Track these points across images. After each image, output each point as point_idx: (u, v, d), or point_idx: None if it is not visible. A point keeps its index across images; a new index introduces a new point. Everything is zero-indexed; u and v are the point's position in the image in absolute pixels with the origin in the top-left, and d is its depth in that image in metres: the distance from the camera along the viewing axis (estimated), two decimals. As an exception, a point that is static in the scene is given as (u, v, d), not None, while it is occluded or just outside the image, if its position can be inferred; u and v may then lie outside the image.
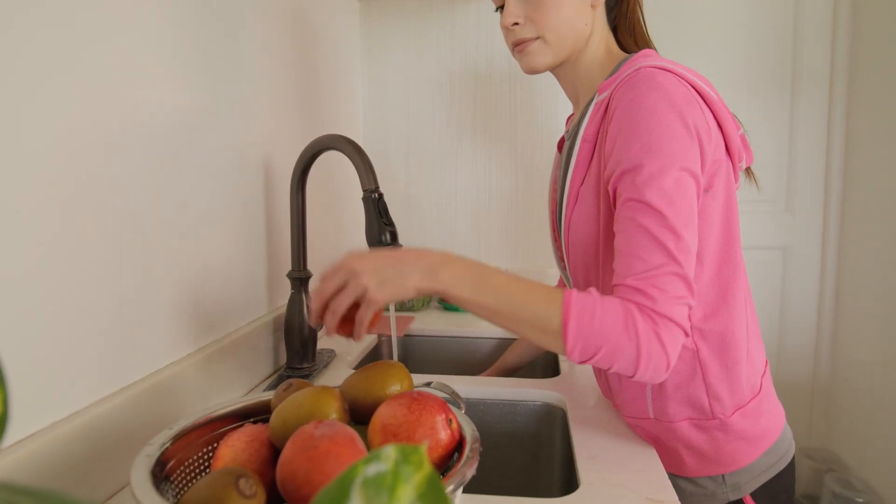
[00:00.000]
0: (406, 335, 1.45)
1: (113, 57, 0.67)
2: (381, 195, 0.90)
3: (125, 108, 0.69)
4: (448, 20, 1.75)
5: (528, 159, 1.75)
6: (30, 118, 0.56)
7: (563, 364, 1.15)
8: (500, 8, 0.84)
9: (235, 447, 0.54)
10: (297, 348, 1.05)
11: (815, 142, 2.11)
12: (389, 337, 1.40)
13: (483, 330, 1.42)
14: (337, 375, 1.09)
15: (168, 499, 0.46)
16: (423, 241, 1.80)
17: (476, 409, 0.98)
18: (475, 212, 1.79)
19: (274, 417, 0.56)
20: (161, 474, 0.50)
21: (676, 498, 0.66)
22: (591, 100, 0.80)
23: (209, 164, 0.89)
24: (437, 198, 1.80)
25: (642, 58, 0.75)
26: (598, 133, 0.76)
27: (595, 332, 0.62)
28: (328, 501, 0.25)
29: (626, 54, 0.82)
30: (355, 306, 0.64)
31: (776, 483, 0.79)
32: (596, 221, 0.76)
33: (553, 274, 1.74)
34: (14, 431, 0.54)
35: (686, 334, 0.64)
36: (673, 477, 0.80)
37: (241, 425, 0.61)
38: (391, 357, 1.38)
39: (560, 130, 1.72)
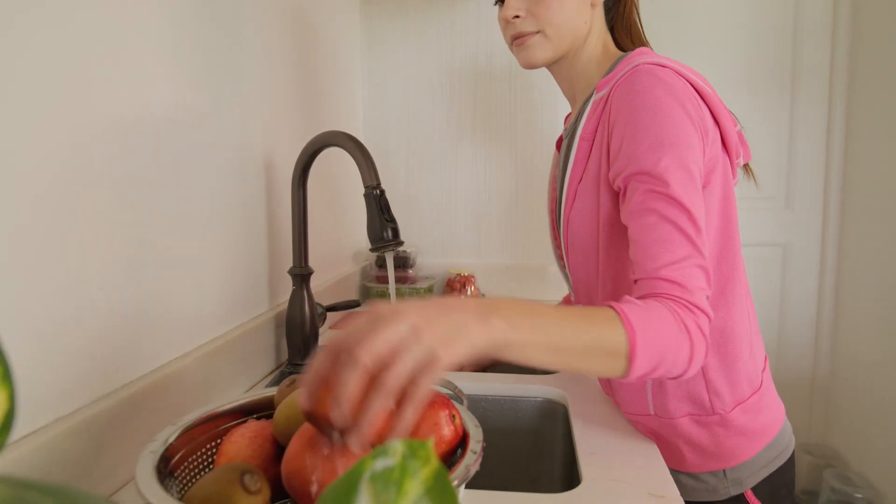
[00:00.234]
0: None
1: (114, 56, 0.67)
2: (382, 191, 0.90)
3: (126, 107, 0.69)
4: (448, 17, 1.74)
5: (528, 157, 1.75)
6: (30, 118, 0.56)
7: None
8: (500, 1, 0.84)
9: (239, 443, 0.55)
10: (299, 345, 1.06)
11: (814, 139, 2.11)
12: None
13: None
14: (338, 372, 1.09)
15: (172, 494, 0.46)
16: (424, 240, 1.81)
17: (477, 405, 0.99)
18: (475, 210, 1.79)
19: (277, 414, 0.56)
20: (165, 470, 0.51)
21: (678, 493, 0.66)
22: (589, 98, 0.80)
23: (210, 161, 0.89)
24: (437, 196, 1.80)
25: (639, 55, 0.75)
26: (597, 131, 0.76)
27: (658, 341, 0.58)
28: (337, 496, 0.25)
29: (622, 53, 0.83)
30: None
31: (777, 478, 0.79)
32: (595, 218, 0.76)
33: (553, 272, 1.74)
34: (18, 428, 0.54)
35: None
36: (674, 472, 0.80)
37: (245, 421, 0.61)
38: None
39: (561, 127, 1.72)
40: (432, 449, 0.27)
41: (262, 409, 0.63)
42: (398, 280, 1.66)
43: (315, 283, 1.19)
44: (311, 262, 1.08)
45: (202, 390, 0.83)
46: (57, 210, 0.59)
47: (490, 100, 1.75)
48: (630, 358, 0.57)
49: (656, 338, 0.58)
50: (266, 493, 0.47)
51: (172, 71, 0.79)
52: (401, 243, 0.90)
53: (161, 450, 0.51)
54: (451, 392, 0.69)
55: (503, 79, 1.74)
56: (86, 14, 0.62)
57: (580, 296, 0.83)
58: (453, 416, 0.55)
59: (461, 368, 0.50)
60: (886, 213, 1.89)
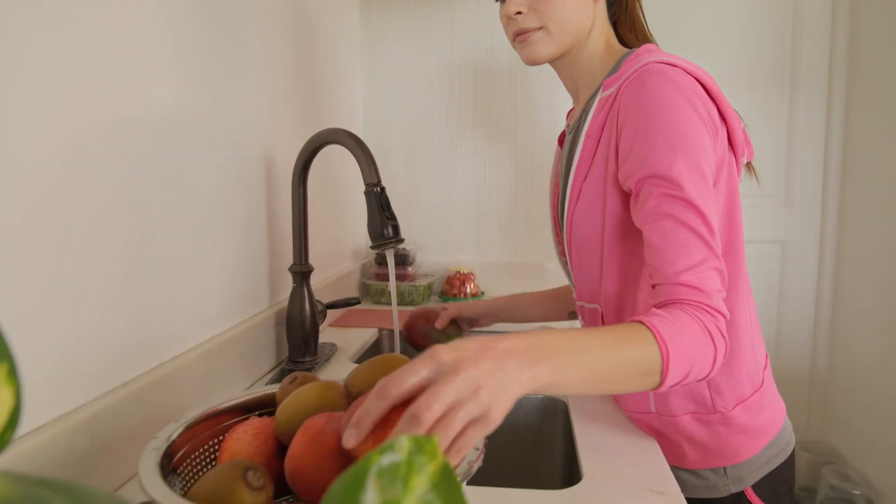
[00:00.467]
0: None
1: (114, 56, 0.67)
2: (383, 189, 0.90)
3: (127, 106, 0.69)
4: (448, 15, 1.74)
5: (528, 155, 1.75)
6: (32, 117, 0.56)
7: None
8: None
9: (241, 440, 0.55)
10: (299, 342, 1.06)
11: (813, 137, 2.11)
12: (390, 331, 1.40)
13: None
14: (339, 369, 1.09)
15: (176, 491, 0.46)
16: (423, 237, 1.81)
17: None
18: (475, 207, 1.79)
19: (280, 411, 0.56)
20: (168, 467, 0.51)
21: (679, 489, 0.66)
22: (594, 95, 0.80)
23: (211, 159, 0.89)
24: (437, 193, 1.80)
25: (646, 53, 0.75)
26: (604, 129, 0.75)
27: (688, 352, 0.60)
28: (344, 491, 0.25)
29: (627, 49, 0.82)
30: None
31: (777, 475, 0.79)
32: (600, 217, 0.76)
33: (552, 269, 1.74)
34: (21, 424, 0.54)
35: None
36: (674, 469, 0.80)
37: (247, 418, 0.61)
38: (393, 350, 1.38)
39: (560, 124, 1.72)
40: (438, 444, 0.27)
41: (264, 407, 0.63)
42: (397, 277, 1.66)
43: (315, 281, 1.19)
44: (311, 260, 1.08)
45: (203, 388, 0.83)
46: (58, 208, 0.59)
47: (490, 97, 1.75)
48: (664, 374, 0.59)
49: (686, 349, 0.59)
50: (269, 490, 0.47)
51: (173, 70, 0.78)
52: (401, 240, 0.90)
53: (164, 447, 0.51)
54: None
55: (503, 76, 1.74)
56: (86, 14, 0.62)
57: (582, 292, 0.83)
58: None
59: None
60: (885, 211, 1.89)
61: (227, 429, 0.60)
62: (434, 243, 1.81)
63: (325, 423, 0.51)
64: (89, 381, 0.64)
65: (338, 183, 1.52)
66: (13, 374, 0.29)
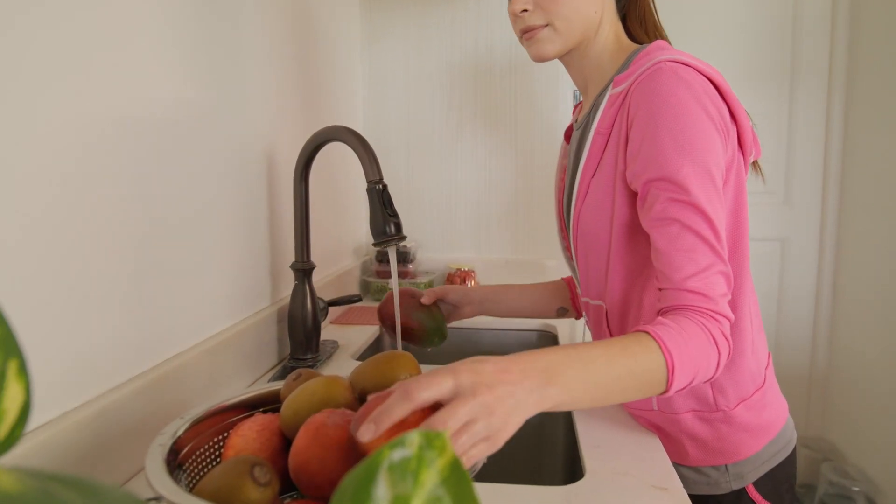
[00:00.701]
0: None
1: (116, 56, 0.67)
2: (385, 186, 0.90)
3: (129, 104, 0.69)
4: (448, 12, 1.74)
5: (529, 152, 1.75)
6: (35, 116, 0.56)
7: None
8: None
9: (246, 436, 0.55)
10: (301, 339, 1.06)
11: (813, 135, 2.12)
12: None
13: (486, 322, 1.43)
14: (340, 366, 1.09)
15: (182, 487, 0.46)
16: (424, 235, 1.81)
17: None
18: (475, 205, 1.79)
19: (285, 407, 0.56)
20: (174, 462, 0.51)
21: (681, 485, 0.66)
22: (604, 91, 0.79)
23: (212, 156, 0.89)
24: (437, 191, 1.80)
25: (658, 50, 0.74)
26: (613, 126, 0.75)
27: (693, 360, 0.62)
28: (356, 486, 0.25)
29: (637, 45, 0.81)
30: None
31: (778, 472, 0.80)
32: (609, 215, 0.76)
33: (552, 266, 1.75)
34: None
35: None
36: (676, 465, 0.80)
37: (251, 415, 0.61)
38: (394, 347, 1.38)
39: (561, 122, 1.72)
40: (448, 439, 0.27)
41: (268, 403, 0.63)
42: (398, 275, 1.66)
43: (316, 278, 1.19)
44: (312, 258, 1.08)
45: (206, 385, 0.83)
46: (62, 207, 0.59)
47: (490, 95, 1.75)
48: (669, 383, 0.61)
49: (691, 357, 0.62)
50: (275, 486, 0.47)
51: (174, 70, 0.78)
52: (403, 238, 0.90)
53: (170, 443, 0.51)
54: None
55: (503, 73, 1.74)
56: (87, 14, 0.62)
57: (587, 288, 0.83)
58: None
59: None
60: (884, 209, 1.89)
61: (232, 425, 0.60)
62: (434, 241, 1.81)
63: (326, 419, 0.51)
64: (94, 377, 0.64)
65: (338, 180, 1.52)
66: (23, 371, 0.29)
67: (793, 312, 2.18)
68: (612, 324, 0.80)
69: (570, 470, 0.91)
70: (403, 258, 1.68)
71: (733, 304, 0.75)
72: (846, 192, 2.09)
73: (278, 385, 0.64)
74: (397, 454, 0.26)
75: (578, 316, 1.03)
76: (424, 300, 1.00)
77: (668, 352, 0.60)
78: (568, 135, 0.93)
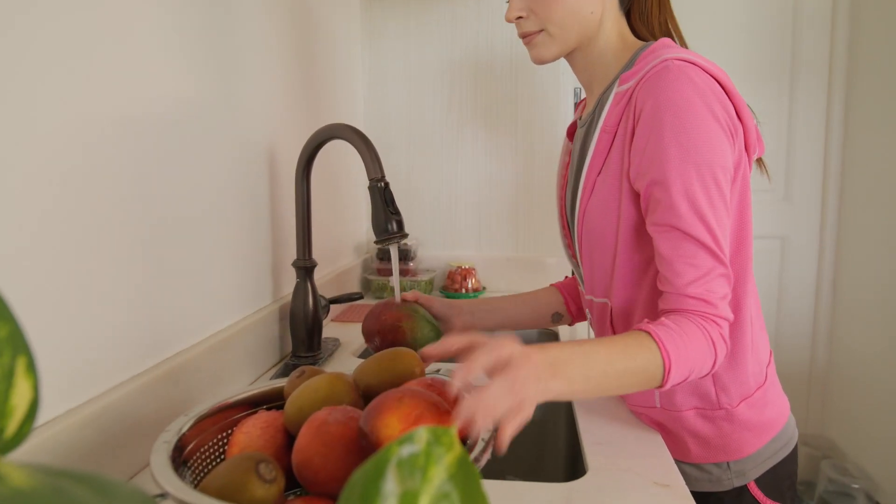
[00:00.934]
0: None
1: (116, 53, 0.67)
2: (387, 184, 0.90)
3: (129, 103, 0.69)
4: (448, 9, 1.74)
5: (530, 149, 1.75)
6: (35, 115, 0.56)
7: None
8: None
9: (251, 433, 0.55)
10: (303, 337, 1.06)
11: (813, 133, 2.12)
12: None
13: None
14: (342, 364, 1.10)
15: (187, 483, 0.46)
16: (425, 233, 1.81)
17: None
18: (476, 202, 1.79)
19: (289, 404, 0.56)
20: (179, 459, 0.51)
21: (683, 482, 0.67)
22: (610, 89, 0.79)
23: (214, 155, 0.89)
24: (438, 188, 1.80)
25: (663, 48, 0.73)
26: (619, 124, 0.75)
27: (689, 359, 0.65)
28: (365, 481, 0.25)
29: (641, 42, 0.81)
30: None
31: (780, 469, 0.80)
32: (614, 214, 0.76)
33: (553, 263, 1.75)
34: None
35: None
36: (678, 462, 0.81)
37: (255, 412, 0.61)
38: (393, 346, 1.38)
39: (562, 119, 1.72)
40: (455, 436, 0.27)
41: (272, 400, 0.64)
42: (399, 273, 1.66)
43: (317, 276, 1.19)
44: (314, 255, 1.08)
45: (208, 382, 0.83)
46: (64, 206, 0.59)
47: (491, 92, 1.75)
48: (664, 380, 0.65)
49: (688, 356, 0.65)
50: (281, 482, 0.47)
51: (176, 69, 0.78)
52: (405, 235, 0.90)
53: (175, 440, 0.51)
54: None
55: (504, 70, 1.74)
56: (87, 13, 0.62)
57: (592, 286, 0.83)
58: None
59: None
60: (884, 206, 1.90)
61: (236, 422, 0.60)
62: (435, 238, 1.81)
63: (328, 415, 0.51)
64: (98, 375, 0.64)
65: (339, 178, 1.52)
66: (31, 368, 0.30)
67: (793, 310, 2.18)
68: (617, 321, 0.80)
69: (573, 467, 0.91)
70: (404, 256, 1.69)
71: (735, 304, 0.75)
72: (846, 189, 2.09)
73: (281, 382, 0.64)
74: (406, 450, 0.26)
75: (573, 321, 1.03)
76: (407, 296, 0.94)
77: (667, 353, 0.64)
78: (571, 132, 0.93)
